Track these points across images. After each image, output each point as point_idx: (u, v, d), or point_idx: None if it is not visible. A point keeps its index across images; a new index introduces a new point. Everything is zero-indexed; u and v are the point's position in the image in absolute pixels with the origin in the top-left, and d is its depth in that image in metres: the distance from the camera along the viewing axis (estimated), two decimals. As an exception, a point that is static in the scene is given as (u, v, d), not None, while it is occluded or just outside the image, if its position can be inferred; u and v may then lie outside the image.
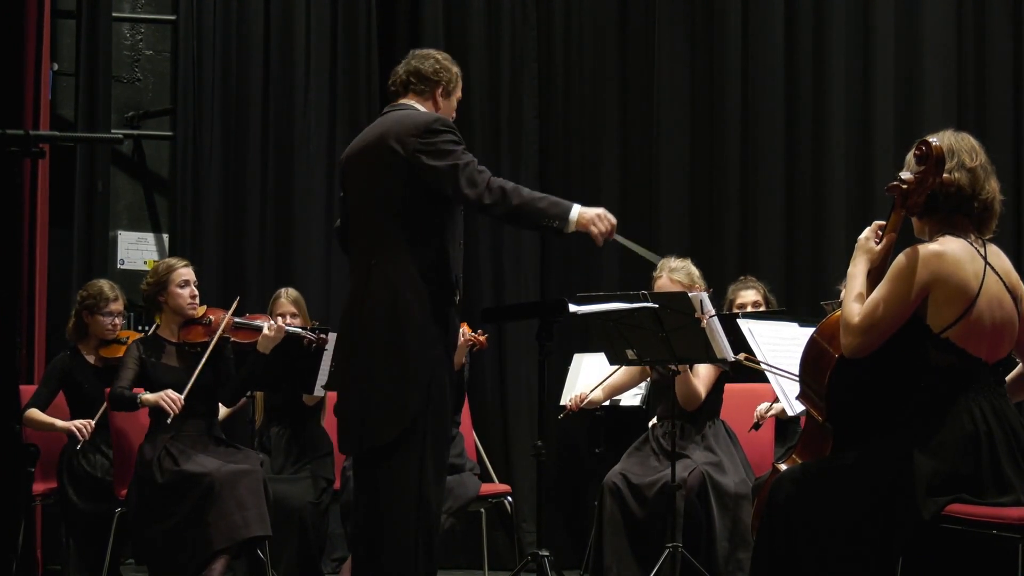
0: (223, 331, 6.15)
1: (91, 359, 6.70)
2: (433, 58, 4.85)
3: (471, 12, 8.33)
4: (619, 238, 4.69)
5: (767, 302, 6.58)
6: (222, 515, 5.75)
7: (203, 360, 6.06)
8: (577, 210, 4.55)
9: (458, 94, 4.91)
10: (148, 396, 6.00)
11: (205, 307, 6.27)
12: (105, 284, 6.77)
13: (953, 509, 3.78)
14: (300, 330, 6.30)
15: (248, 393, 6.55)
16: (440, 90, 4.82)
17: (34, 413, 6.51)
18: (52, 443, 6.61)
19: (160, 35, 8.56)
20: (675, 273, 6.11)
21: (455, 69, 4.88)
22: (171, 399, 5.93)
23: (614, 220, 4.61)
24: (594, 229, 4.57)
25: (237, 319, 6.26)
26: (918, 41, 7.97)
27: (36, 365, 7.45)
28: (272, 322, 6.21)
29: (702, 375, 6.03)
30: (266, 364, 6.18)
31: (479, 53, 8.30)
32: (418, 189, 4.59)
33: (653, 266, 6.23)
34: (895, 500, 3.78)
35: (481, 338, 6.32)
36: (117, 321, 6.73)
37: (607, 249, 8.12)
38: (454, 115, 4.89)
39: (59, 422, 6.47)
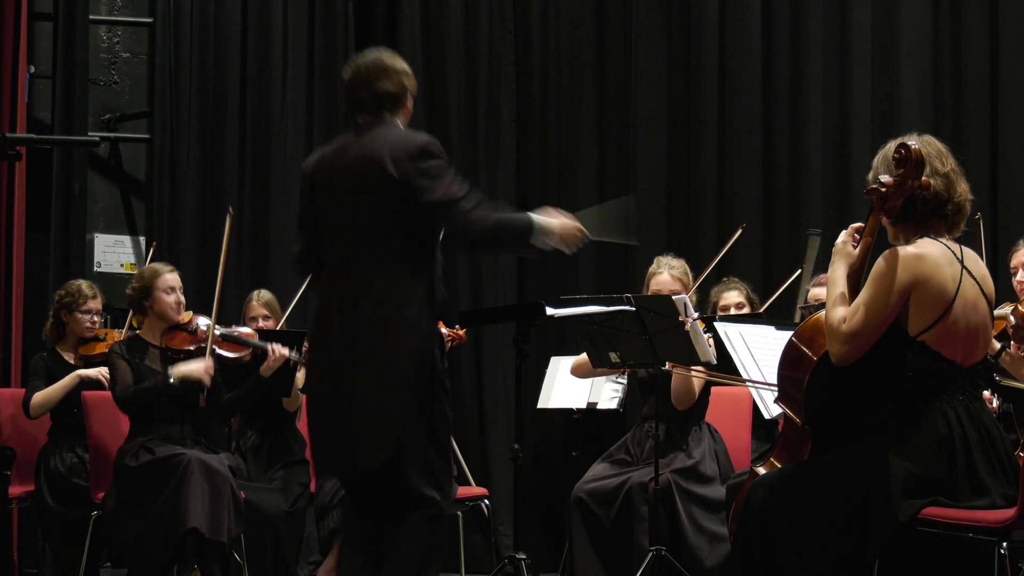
0: (212, 344, 6.14)
1: (70, 359, 6.68)
2: (390, 69, 4.58)
3: (448, 16, 8.32)
4: (592, 237, 4.66)
5: (751, 303, 6.58)
6: (189, 498, 5.72)
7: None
8: (552, 243, 4.48)
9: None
10: (183, 368, 6.00)
11: (191, 313, 6.24)
12: (83, 283, 6.80)
13: (929, 512, 3.79)
14: (291, 354, 6.28)
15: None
16: (407, 97, 4.61)
17: (39, 396, 6.53)
18: (29, 445, 6.58)
19: (137, 38, 8.54)
20: (675, 270, 6.07)
21: (405, 66, 4.63)
22: (210, 371, 6.05)
23: (578, 230, 4.51)
24: (566, 248, 4.55)
25: (224, 330, 6.26)
26: (895, 42, 7.99)
27: (12, 367, 7.43)
28: (276, 351, 6.22)
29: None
30: (259, 384, 6.25)
31: (456, 56, 8.30)
32: (414, 210, 4.42)
33: (629, 264, 6.25)
34: (870, 503, 3.79)
35: (460, 332, 6.34)
36: (96, 319, 6.72)
37: (584, 253, 8.18)
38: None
39: (68, 378, 6.51)
